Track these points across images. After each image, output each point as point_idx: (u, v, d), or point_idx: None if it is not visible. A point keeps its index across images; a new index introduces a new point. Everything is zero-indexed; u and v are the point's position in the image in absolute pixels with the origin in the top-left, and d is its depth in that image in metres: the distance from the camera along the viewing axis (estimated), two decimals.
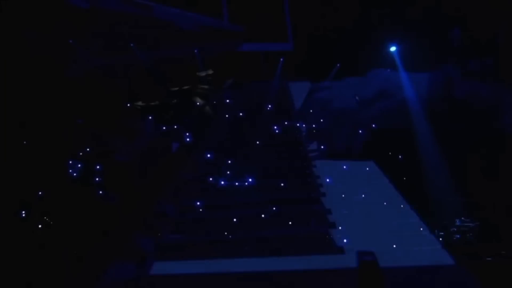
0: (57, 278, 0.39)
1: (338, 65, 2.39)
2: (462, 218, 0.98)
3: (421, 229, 0.58)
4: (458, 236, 1.01)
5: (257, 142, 0.93)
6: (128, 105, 0.94)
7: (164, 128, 0.77)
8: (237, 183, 0.72)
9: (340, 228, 0.58)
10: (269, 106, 1.65)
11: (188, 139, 0.89)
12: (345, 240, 0.53)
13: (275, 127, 0.97)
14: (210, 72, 1.77)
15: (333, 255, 0.51)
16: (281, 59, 2.78)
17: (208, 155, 0.99)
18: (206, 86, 1.60)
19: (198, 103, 1.32)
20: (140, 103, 0.99)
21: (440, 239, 0.95)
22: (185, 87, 1.43)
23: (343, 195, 0.71)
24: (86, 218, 0.52)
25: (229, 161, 0.90)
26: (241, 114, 1.47)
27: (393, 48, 2.07)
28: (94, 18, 0.59)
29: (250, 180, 0.73)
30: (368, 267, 0.38)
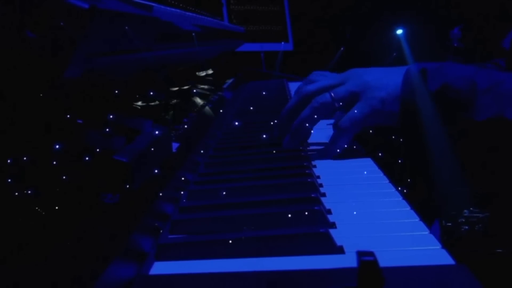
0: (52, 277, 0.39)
1: (342, 48, 2.31)
2: (471, 208, 0.95)
3: (422, 229, 0.58)
4: (466, 227, 0.99)
5: (262, 139, 0.94)
6: (128, 105, 0.94)
7: (163, 126, 0.76)
8: (239, 181, 0.72)
9: (340, 228, 0.58)
10: (266, 94, 1.64)
11: (188, 139, 0.89)
12: (345, 240, 0.53)
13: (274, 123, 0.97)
14: (210, 72, 1.79)
15: (333, 255, 0.51)
16: (282, 43, 2.72)
17: (208, 153, 1.00)
18: (206, 86, 1.62)
19: (198, 103, 1.33)
20: (140, 103, 0.99)
21: (447, 230, 0.94)
22: (185, 87, 1.44)
23: (343, 195, 0.71)
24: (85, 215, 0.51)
25: (229, 159, 0.92)
26: (246, 105, 1.49)
27: (399, 31, 2.02)
28: (93, 18, 0.59)
29: (248, 176, 0.73)
30: (368, 267, 0.39)
